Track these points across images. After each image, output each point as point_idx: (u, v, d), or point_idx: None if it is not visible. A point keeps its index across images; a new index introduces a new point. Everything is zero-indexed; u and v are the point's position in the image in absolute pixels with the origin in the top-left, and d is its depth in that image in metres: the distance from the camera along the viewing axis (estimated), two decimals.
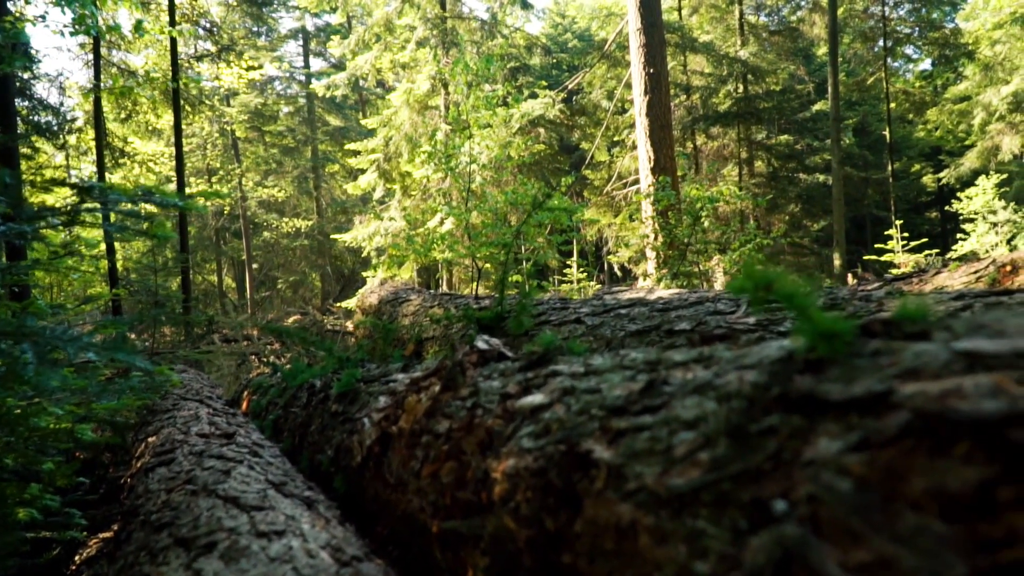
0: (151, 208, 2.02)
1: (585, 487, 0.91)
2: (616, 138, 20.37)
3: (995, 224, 17.07)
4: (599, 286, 19.47)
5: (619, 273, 24.17)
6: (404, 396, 1.84)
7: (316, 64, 29.92)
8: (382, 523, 1.73)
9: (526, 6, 18.23)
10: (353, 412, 2.19)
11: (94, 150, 13.79)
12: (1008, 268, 2.58)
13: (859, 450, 0.58)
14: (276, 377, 4.40)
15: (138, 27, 6.80)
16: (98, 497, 4.06)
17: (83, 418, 4.14)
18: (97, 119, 13.34)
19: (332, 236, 19.38)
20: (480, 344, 1.72)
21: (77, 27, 6.50)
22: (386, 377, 2.30)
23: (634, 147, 15.06)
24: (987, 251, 17.27)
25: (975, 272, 2.74)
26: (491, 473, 1.16)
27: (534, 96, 17.77)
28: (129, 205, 1.74)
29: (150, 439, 3.23)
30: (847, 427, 0.61)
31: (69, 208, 1.74)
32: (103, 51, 14.90)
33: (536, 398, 1.20)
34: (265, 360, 6.47)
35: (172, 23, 14.04)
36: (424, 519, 1.39)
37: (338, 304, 17.73)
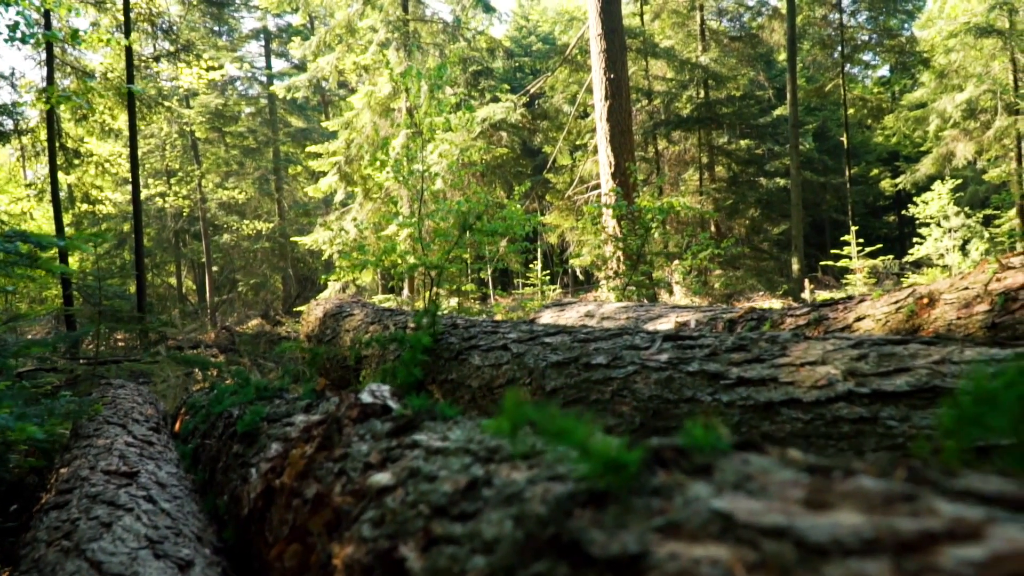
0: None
1: None
2: (578, 142, 20.40)
3: (949, 229, 17.36)
4: (561, 290, 19.49)
5: (582, 277, 24.21)
6: (293, 446, 1.76)
7: (278, 65, 29.56)
8: None
9: (488, 9, 18.17)
10: (250, 456, 2.11)
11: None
12: (925, 301, 2.58)
13: None
14: (210, 396, 4.29)
15: (75, 36, 6.59)
16: (19, 524, 3.93)
17: (3, 443, 4.00)
18: (50, 121, 13.02)
19: (293, 239, 19.14)
20: (365, 397, 1.66)
21: (12, 34, 6.30)
22: (288, 417, 2.22)
23: (596, 151, 15.10)
24: (941, 255, 17.56)
25: (895, 303, 2.73)
26: (333, 559, 1.09)
27: (496, 100, 17.72)
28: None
29: (62, 470, 3.11)
30: None
31: None
32: (57, 50, 14.53)
33: (384, 477, 1.13)
34: (208, 374, 6.30)
35: (127, 23, 13.72)
36: None
37: (295, 308, 17.51)
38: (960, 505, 0.47)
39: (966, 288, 2.49)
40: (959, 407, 0.67)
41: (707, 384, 1.97)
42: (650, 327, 4.68)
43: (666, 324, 4.55)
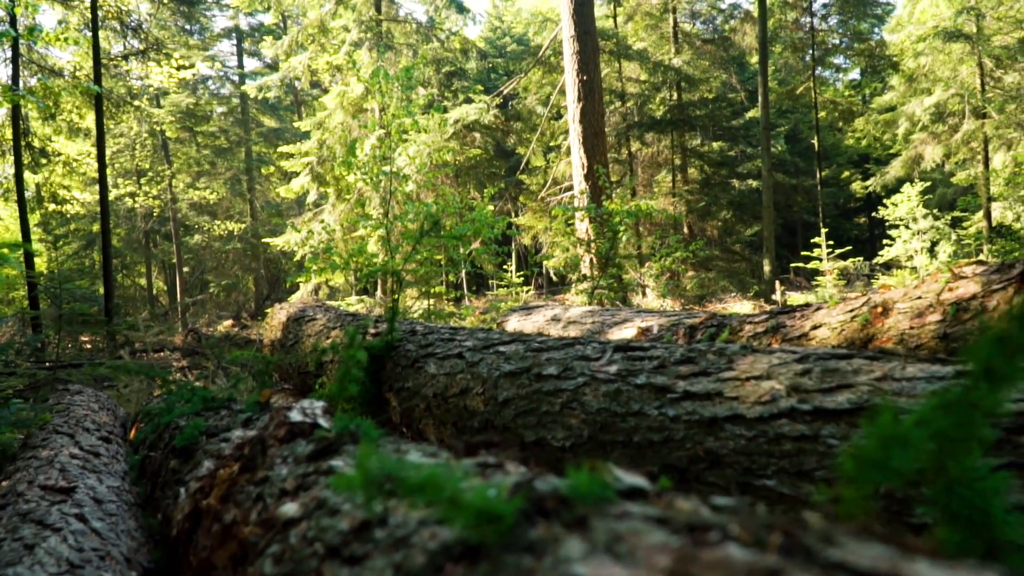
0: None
1: None
2: (552, 143, 20.40)
3: (918, 231, 17.52)
4: (535, 291, 19.46)
5: (555, 278, 24.20)
6: (224, 464, 1.70)
7: (250, 64, 29.26)
8: None
9: (462, 10, 18.10)
10: (184, 473, 2.04)
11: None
12: (879, 310, 2.56)
13: None
14: (165, 404, 4.19)
15: (32, 32, 6.42)
16: None
17: None
18: (15, 119, 12.72)
19: (265, 240, 18.92)
20: (294, 415, 1.59)
21: None
22: (227, 432, 2.15)
23: (569, 153, 15.09)
24: (910, 257, 17.74)
25: (851, 311, 2.71)
26: None
27: (469, 101, 17.65)
28: None
29: (3, 483, 3.01)
30: None
31: None
32: (24, 48, 14.21)
33: (292, 508, 1.07)
34: (168, 380, 6.15)
35: (95, 20, 13.45)
36: None
37: (266, 310, 17.30)
38: None
39: (919, 297, 2.48)
40: (861, 451, 0.63)
41: (654, 398, 1.93)
42: (615, 331, 4.66)
43: (630, 328, 4.52)
